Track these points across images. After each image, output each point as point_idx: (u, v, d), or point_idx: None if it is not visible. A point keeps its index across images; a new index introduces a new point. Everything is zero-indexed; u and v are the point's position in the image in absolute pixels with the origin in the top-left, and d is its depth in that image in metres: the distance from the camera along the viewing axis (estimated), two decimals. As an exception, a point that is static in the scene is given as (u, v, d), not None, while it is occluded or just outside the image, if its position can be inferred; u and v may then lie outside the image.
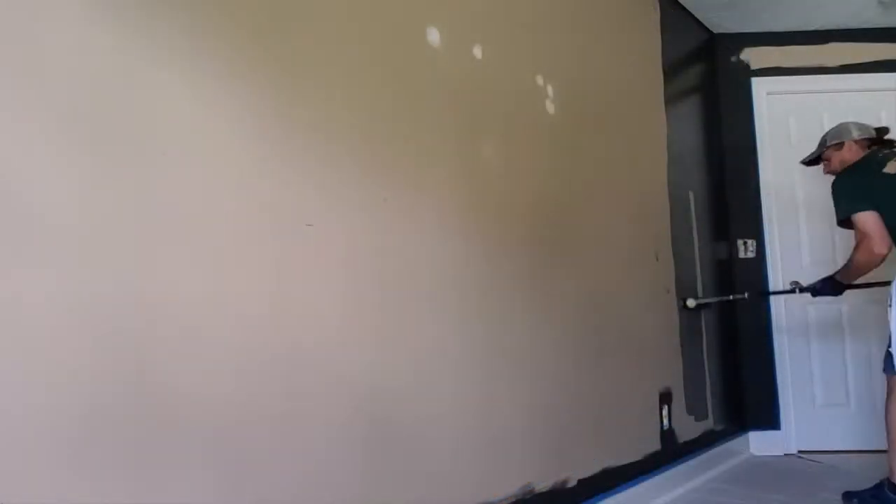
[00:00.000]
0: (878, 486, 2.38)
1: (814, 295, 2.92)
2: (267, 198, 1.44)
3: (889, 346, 2.36)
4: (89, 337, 1.13)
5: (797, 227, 3.61)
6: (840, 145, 2.64)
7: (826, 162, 2.71)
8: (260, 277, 1.41)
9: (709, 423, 3.12)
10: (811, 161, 2.78)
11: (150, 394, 1.20)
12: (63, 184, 1.12)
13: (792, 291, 3.03)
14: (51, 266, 1.08)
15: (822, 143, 2.70)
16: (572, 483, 2.18)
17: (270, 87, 1.47)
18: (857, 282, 2.77)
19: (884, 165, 2.46)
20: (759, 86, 3.64)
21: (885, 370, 2.40)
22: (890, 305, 2.35)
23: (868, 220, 2.44)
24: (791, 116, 3.53)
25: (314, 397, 1.49)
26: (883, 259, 2.45)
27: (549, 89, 2.27)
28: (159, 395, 1.21)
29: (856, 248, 2.51)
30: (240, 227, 1.39)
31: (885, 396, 2.40)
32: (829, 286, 2.77)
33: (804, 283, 3.05)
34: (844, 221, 2.54)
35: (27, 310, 1.05)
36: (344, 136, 1.62)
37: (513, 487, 1.95)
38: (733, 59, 3.71)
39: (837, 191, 2.56)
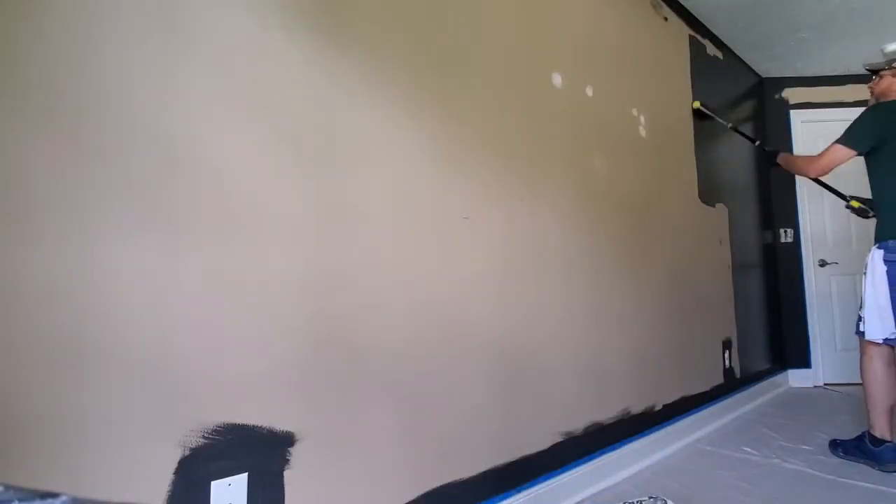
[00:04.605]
0: (860, 438, 2.27)
1: (758, 147, 2.99)
2: (434, 196, 1.48)
3: (860, 308, 2.29)
4: (305, 300, 1.15)
5: (822, 218, 3.91)
6: None
7: (876, 79, 2.33)
8: (427, 255, 1.44)
9: (758, 364, 3.36)
10: (872, 70, 2.37)
11: (347, 342, 1.22)
12: (287, 188, 1.15)
13: (754, 141, 3.09)
14: (277, 245, 1.13)
15: (890, 62, 2.31)
16: (659, 407, 2.31)
17: (439, 114, 1.50)
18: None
19: None
20: (795, 116, 4.02)
21: (857, 332, 2.29)
22: (864, 273, 2.28)
23: (836, 156, 2.23)
24: (819, 138, 3.75)
25: (466, 347, 1.52)
26: (806, 176, 2.40)
27: (642, 118, 2.43)
28: (354, 344, 1.23)
29: (812, 157, 2.36)
30: (414, 219, 1.42)
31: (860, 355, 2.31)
32: (770, 155, 2.72)
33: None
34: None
35: (263, 278, 1.10)
36: (490, 153, 1.66)
37: (615, 410, 2.07)
38: (776, 96, 4.07)
39: (858, 120, 2.25)
